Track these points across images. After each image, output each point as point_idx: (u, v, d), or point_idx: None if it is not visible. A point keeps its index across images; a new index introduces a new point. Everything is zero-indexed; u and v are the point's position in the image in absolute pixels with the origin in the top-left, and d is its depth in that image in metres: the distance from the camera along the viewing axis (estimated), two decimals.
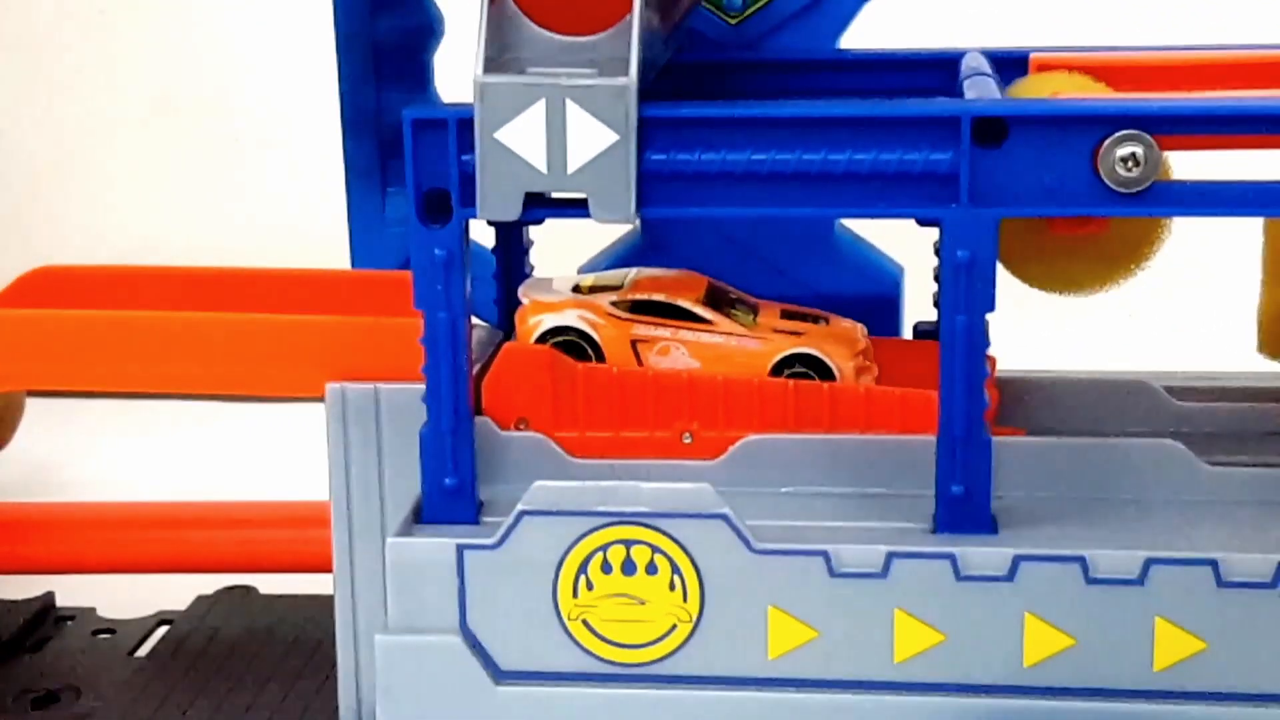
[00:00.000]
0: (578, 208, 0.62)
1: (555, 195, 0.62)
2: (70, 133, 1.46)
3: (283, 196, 1.43)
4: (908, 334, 0.79)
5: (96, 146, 1.46)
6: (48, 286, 0.76)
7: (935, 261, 0.73)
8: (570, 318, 0.69)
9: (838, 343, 0.69)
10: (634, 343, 0.68)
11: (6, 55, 1.46)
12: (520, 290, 0.71)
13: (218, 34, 1.45)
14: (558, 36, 0.61)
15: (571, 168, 0.61)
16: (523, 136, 0.60)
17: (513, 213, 0.62)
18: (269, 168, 1.44)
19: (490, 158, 0.61)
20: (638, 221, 0.61)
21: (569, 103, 0.60)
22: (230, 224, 1.44)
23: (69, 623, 0.88)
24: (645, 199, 0.62)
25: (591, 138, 0.60)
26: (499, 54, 0.61)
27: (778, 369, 0.68)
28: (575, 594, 0.63)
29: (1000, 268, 0.63)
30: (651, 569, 0.63)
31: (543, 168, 0.61)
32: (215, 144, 1.45)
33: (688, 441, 0.67)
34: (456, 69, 0.79)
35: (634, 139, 0.60)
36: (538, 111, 0.60)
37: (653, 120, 0.61)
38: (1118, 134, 0.60)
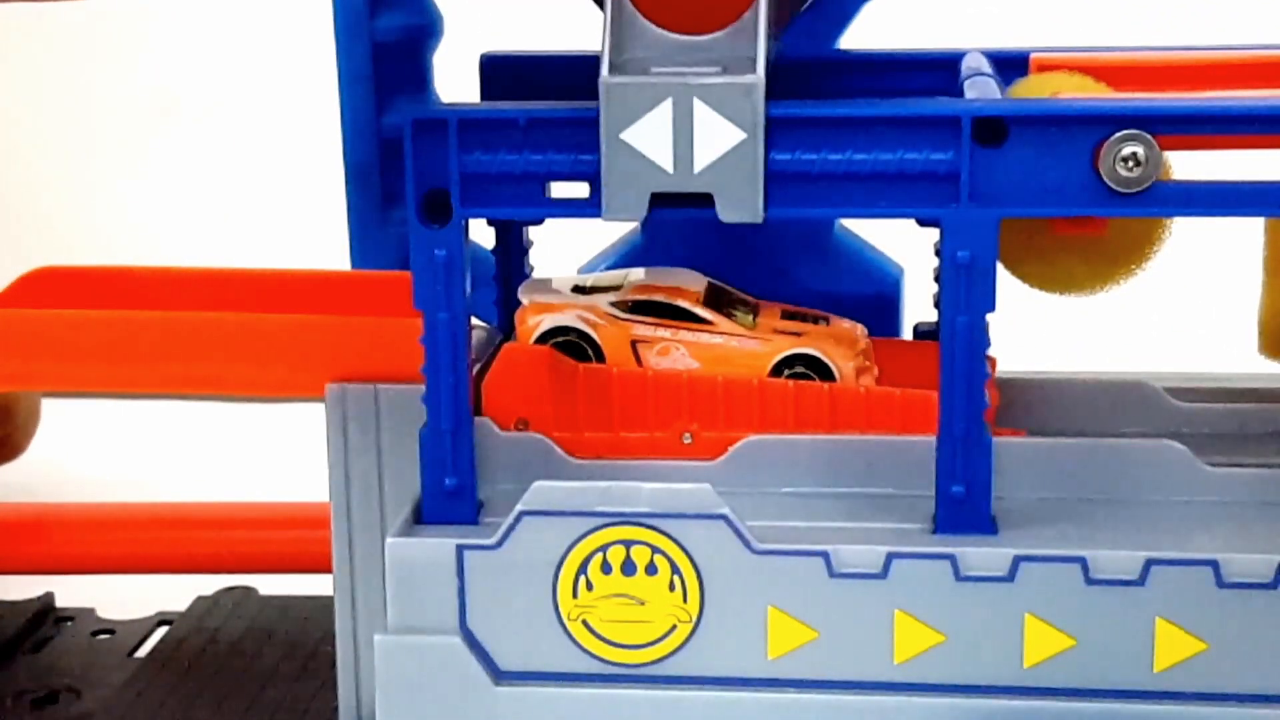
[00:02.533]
0: (701, 206, 0.61)
1: (679, 193, 0.62)
2: (70, 133, 1.46)
3: (283, 196, 1.43)
4: (908, 334, 0.79)
5: (96, 146, 1.47)
6: (48, 286, 0.76)
7: (935, 262, 0.73)
8: (570, 318, 0.69)
9: (838, 343, 0.69)
10: (634, 343, 0.68)
11: (7, 55, 1.46)
12: (520, 291, 0.71)
13: (218, 34, 1.45)
14: (676, 36, 0.61)
15: (698, 167, 0.61)
16: (649, 136, 0.60)
17: (639, 212, 0.61)
18: (269, 168, 1.44)
19: (616, 158, 0.61)
20: (756, 219, 0.61)
21: (696, 101, 0.60)
22: (230, 224, 1.44)
23: (69, 623, 0.88)
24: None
25: (718, 136, 0.60)
26: (620, 55, 0.61)
27: (778, 369, 0.68)
28: (575, 594, 0.63)
29: (1000, 268, 0.63)
30: (651, 569, 0.63)
31: (669, 167, 0.61)
32: (215, 144, 1.45)
33: (687, 442, 0.67)
34: (456, 69, 0.79)
35: (762, 137, 0.60)
36: (664, 111, 0.60)
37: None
38: (1118, 134, 0.60)
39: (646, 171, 0.61)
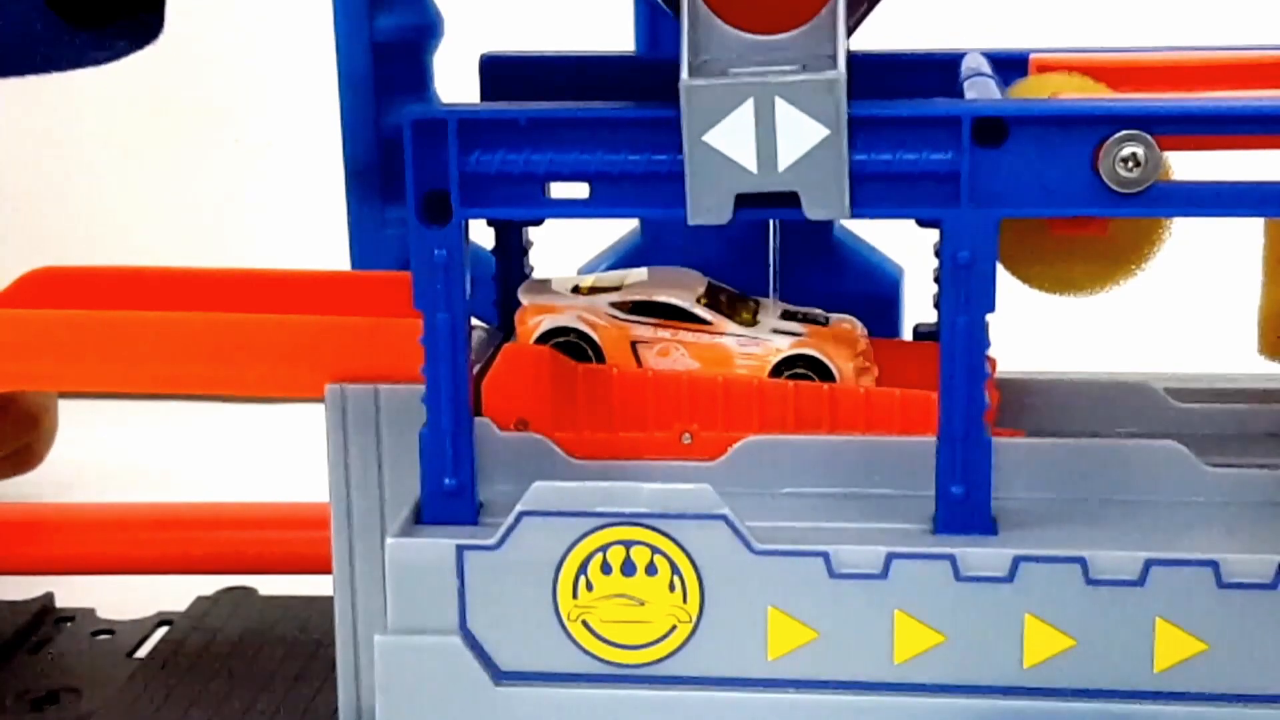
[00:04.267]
0: (787, 206, 0.61)
1: (764, 193, 0.61)
2: (70, 133, 1.46)
3: (283, 196, 1.43)
4: (907, 335, 0.79)
5: (97, 147, 1.47)
6: (48, 286, 0.76)
7: (935, 262, 0.73)
8: (570, 319, 0.69)
9: (838, 344, 0.69)
10: (634, 343, 0.68)
11: None
12: (520, 291, 0.71)
13: (218, 34, 1.45)
14: (752, 36, 0.61)
15: (782, 165, 0.60)
16: (731, 138, 0.60)
17: (724, 215, 0.61)
18: (269, 168, 1.44)
19: (699, 161, 0.61)
20: (843, 216, 0.61)
21: (778, 100, 0.60)
22: (230, 224, 1.44)
23: (68, 623, 0.88)
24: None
25: (802, 134, 0.60)
26: (697, 57, 0.61)
27: (777, 370, 0.68)
28: (575, 595, 0.63)
29: (1000, 268, 0.63)
30: (651, 570, 0.63)
31: (753, 168, 0.60)
32: (215, 144, 1.45)
33: (687, 442, 0.67)
34: (456, 69, 0.79)
35: (845, 133, 0.60)
36: (746, 112, 0.60)
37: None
38: (1118, 134, 0.60)
39: (731, 172, 0.60)
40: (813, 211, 0.61)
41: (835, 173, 0.60)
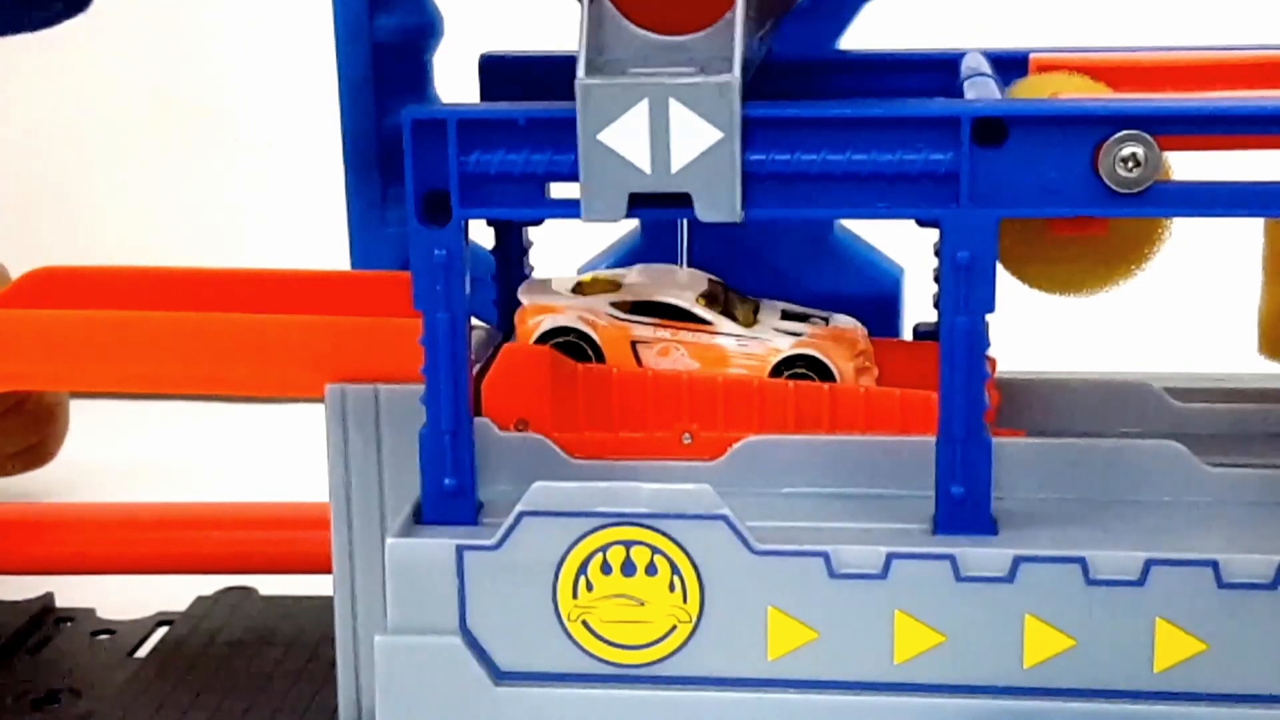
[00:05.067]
0: (680, 207, 0.61)
1: (657, 194, 0.62)
2: (70, 133, 1.46)
3: (283, 196, 1.43)
4: (907, 335, 0.79)
5: (96, 147, 1.46)
6: (48, 286, 0.76)
7: (935, 262, 0.73)
8: (570, 318, 0.69)
9: (838, 344, 0.69)
10: (634, 343, 0.68)
11: (6, 56, 1.46)
12: (520, 291, 0.71)
13: (218, 34, 1.45)
14: (656, 36, 0.61)
15: (675, 167, 0.61)
16: (626, 137, 0.60)
17: (617, 213, 0.61)
18: (269, 168, 1.44)
19: (593, 159, 0.61)
20: (734, 219, 0.61)
21: (672, 102, 0.60)
22: (230, 224, 1.44)
23: (68, 623, 0.88)
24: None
25: (695, 136, 0.60)
26: (598, 55, 0.61)
27: (778, 370, 0.68)
28: (575, 595, 0.63)
29: (1000, 268, 0.63)
30: (651, 570, 0.63)
31: (646, 168, 0.61)
32: (215, 144, 1.45)
33: (687, 442, 0.67)
34: (456, 69, 0.79)
35: (738, 136, 0.60)
36: (641, 112, 0.60)
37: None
38: (1118, 134, 0.60)
39: (624, 172, 0.61)
40: (704, 214, 0.61)
41: (728, 175, 0.61)
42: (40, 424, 1.07)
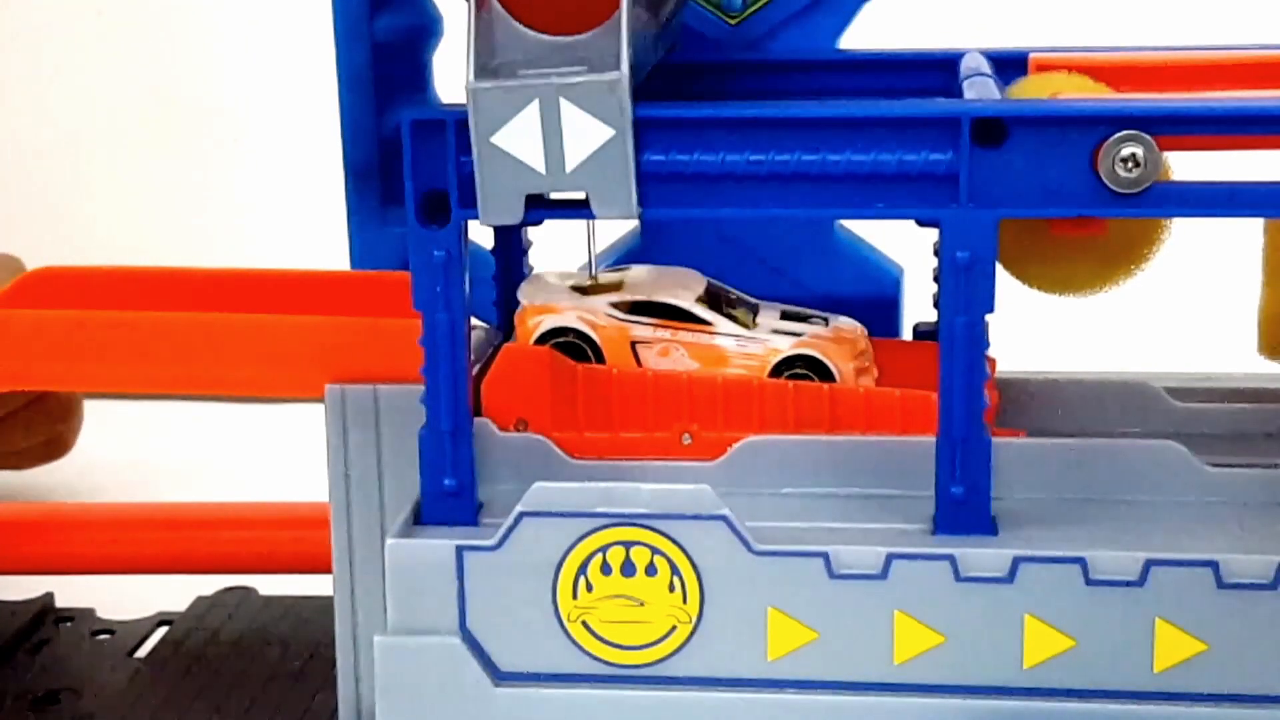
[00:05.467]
0: (579, 208, 0.62)
1: (556, 196, 0.62)
2: (70, 133, 1.46)
3: (282, 196, 1.43)
4: (907, 335, 0.79)
5: (96, 147, 1.46)
6: (47, 287, 0.76)
7: (934, 262, 0.73)
8: (570, 319, 0.69)
9: (838, 344, 0.69)
10: (633, 344, 0.68)
11: (5, 56, 1.46)
12: (519, 291, 0.71)
13: (217, 34, 1.45)
14: (547, 37, 0.61)
15: (570, 166, 0.61)
16: (519, 139, 0.60)
17: (514, 216, 0.62)
18: (268, 168, 1.44)
19: (488, 162, 0.61)
20: (637, 221, 0.61)
21: (563, 101, 0.60)
22: (230, 224, 1.44)
23: (68, 624, 0.88)
24: (646, 199, 0.62)
25: (587, 135, 0.60)
26: (490, 59, 0.61)
27: (777, 370, 0.68)
28: (575, 595, 0.63)
29: (1000, 268, 0.63)
30: (651, 570, 0.63)
31: (541, 169, 0.61)
32: (215, 144, 1.45)
33: (687, 443, 0.67)
34: (456, 69, 0.79)
35: (630, 133, 0.60)
36: (532, 113, 0.60)
37: (650, 120, 0.61)
38: (1118, 135, 0.60)
39: (520, 174, 0.61)
40: (601, 211, 0.61)
41: (622, 173, 0.61)
42: (61, 417, 1.09)
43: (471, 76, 0.60)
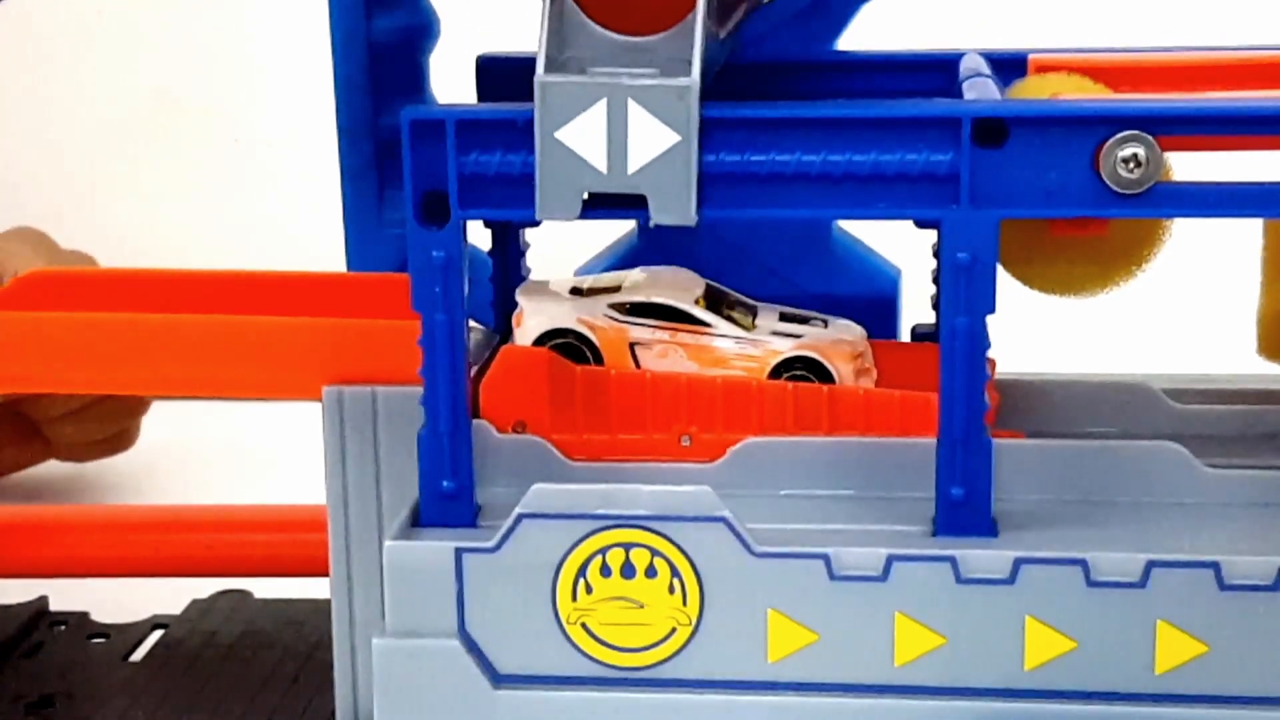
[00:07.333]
0: (635, 208, 0.61)
1: (612, 194, 0.62)
2: (70, 134, 1.46)
3: (281, 197, 1.43)
4: (905, 336, 0.79)
5: (96, 147, 1.46)
6: (46, 288, 0.76)
7: (932, 264, 0.73)
8: (568, 320, 0.68)
9: (837, 345, 0.69)
10: (632, 345, 0.68)
11: (5, 56, 1.46)
12: (518, 293, 0.71)
13: (216, 35, 1.45)
14: (618, 36, 0.61)
15: (632, 168, 0.60)
16: (583, 136, 0.60)
17: (572, 213, 0.61)
18: (268, 168, 1.44)
19: (550, 158, 0.61)
20: (689, 223, 0.61)
21: (631, 103, 0.60)
22: (229, 224, 1.44)
23: (63, 627, 0.88)
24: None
25: (652, 138, 0.60)
26: (559, 53, 0.61)
27: (776, 371, 0.68)
28: (574, 597, 0.63)
29: (1000, 269, 0.62)
30: (651, 572, 0.63)
31: (603, 168, 0.61)
32: (214, 145, 1.45)
33: (686, 444, 0.67)
34: (453, 70, 0.79)
35: (695, 140, 0.60)
36: (599, 112, 0.60)
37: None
38: (1119, 135, 0.60)
39: (580, 171, 0.61)
40: (659, 216, 0.61)
41: (684, 178, 0.61)
42: (129, 414, 1.10)
43: (541, 70, 0.60)
